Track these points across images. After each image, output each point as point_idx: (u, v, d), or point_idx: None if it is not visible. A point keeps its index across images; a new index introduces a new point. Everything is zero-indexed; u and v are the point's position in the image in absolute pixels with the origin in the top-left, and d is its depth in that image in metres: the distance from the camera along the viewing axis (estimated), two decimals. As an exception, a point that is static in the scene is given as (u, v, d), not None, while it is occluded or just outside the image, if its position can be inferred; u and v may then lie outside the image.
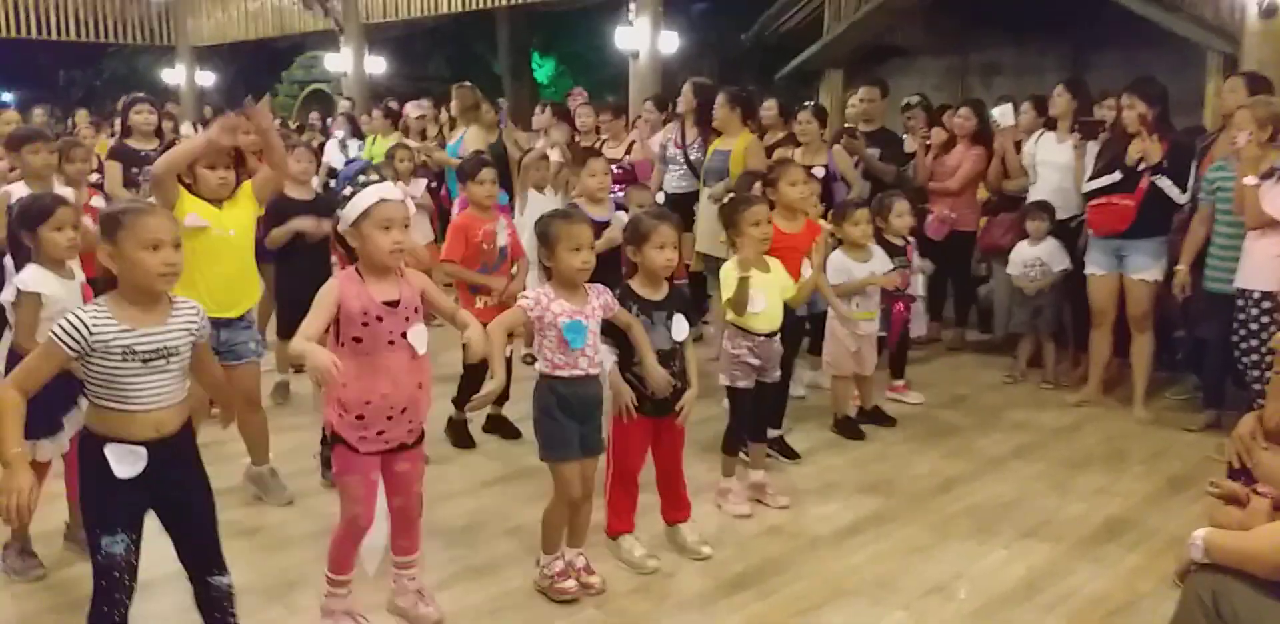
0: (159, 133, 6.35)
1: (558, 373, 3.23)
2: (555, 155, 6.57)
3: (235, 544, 3.49)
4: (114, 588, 2.55)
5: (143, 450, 2.53)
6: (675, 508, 3.75)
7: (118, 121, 6.29)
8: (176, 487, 2.63)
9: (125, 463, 2.51)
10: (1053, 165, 6.04)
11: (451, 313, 3.08)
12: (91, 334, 2.44)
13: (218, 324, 3.66)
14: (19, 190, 4.66)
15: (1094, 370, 5.57)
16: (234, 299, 3.90)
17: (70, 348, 2.44)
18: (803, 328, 5.03)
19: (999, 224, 6.51)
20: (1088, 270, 5.45)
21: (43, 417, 3.26)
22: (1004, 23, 10.68)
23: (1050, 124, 6.22)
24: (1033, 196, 6.14)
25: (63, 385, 3.25)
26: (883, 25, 11.58)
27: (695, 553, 3.67)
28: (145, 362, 2.50)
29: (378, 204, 2.87)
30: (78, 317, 2.45)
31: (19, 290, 3.29)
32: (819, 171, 5.98)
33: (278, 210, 4.86)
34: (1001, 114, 6.59)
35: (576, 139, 7.44)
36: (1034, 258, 5.92)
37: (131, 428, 2.52)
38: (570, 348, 3.19)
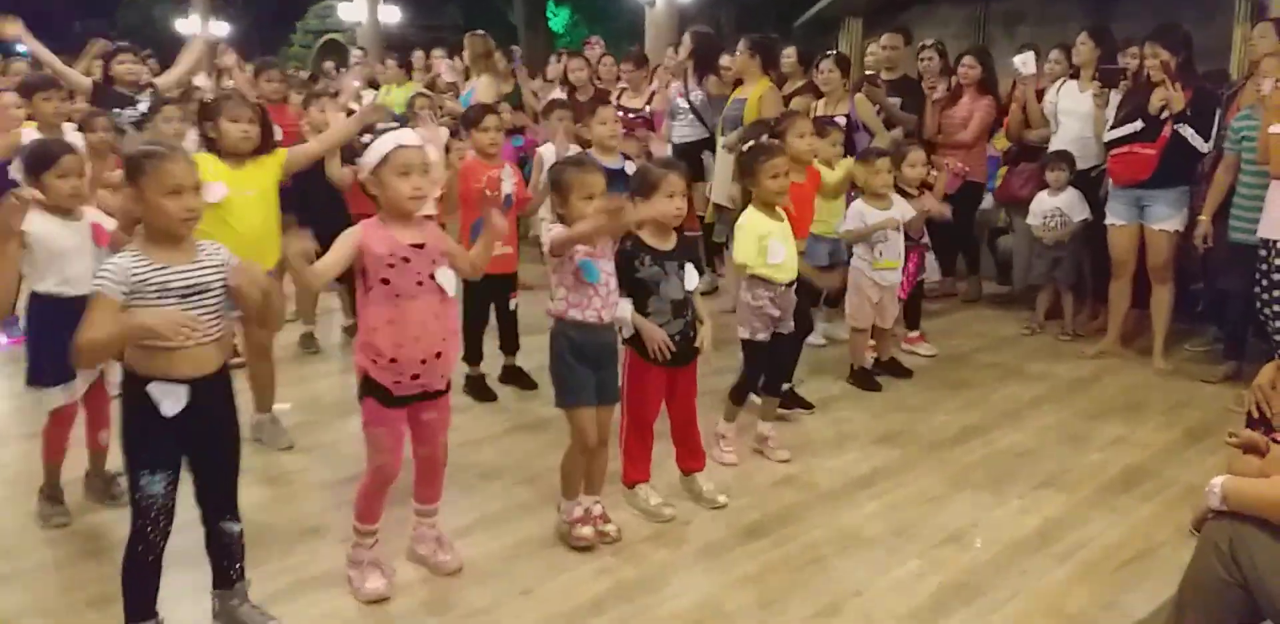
0: (140, 84, 6.22)
1: (571, 314, 3.24)
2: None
3: (255, 491, 3.55)
4: (151, 527, 2.60)
5: (184, 388, 2.56)
6: (691, 457, 3.78)
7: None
8: (212, 428, 2.67)
9: (169, 400, 2.54)
10: (1074, 114, 5.95)
11: (467, 269, 3.07)
12: (132, 274, 2.47)
13: None
14: (30, 136, 4.67)
15: (1113, 321, 5.54)
16: (258, 257, 3.85)
17: (119, 291, 2.46)
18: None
19: (1019, 174, 6.43)
20: (1108, 220, 5.39)
21: (52, 364, 3.29)
22: (1028, -30, 10.45)
23: (1073, 73, 6.11)
24: (1054, 146, 6.06)
25: (74, 334, 3.30)
26: (903, -29, 11.35)
27: (711, 502, 3.69)
28: (182, 297, 2.53)
29: (396, 150, 2.87)
30: (114, 261, 2.49)
31: None
32: (841, 120, 5.91)
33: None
34: (1023, 62, 6.46)
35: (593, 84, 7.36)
36: (1054, 208, 5.85)
37: (173, 365, 2.55)
38: (587, 281, 3.19)
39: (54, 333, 3.30)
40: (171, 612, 2.74)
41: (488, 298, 4.81)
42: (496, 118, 4.86)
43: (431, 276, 2.91)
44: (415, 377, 2.93)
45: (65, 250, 3.32)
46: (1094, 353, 5.52)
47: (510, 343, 4.99)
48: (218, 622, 2.87)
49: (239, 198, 3.83)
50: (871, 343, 5.18)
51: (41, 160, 3.30)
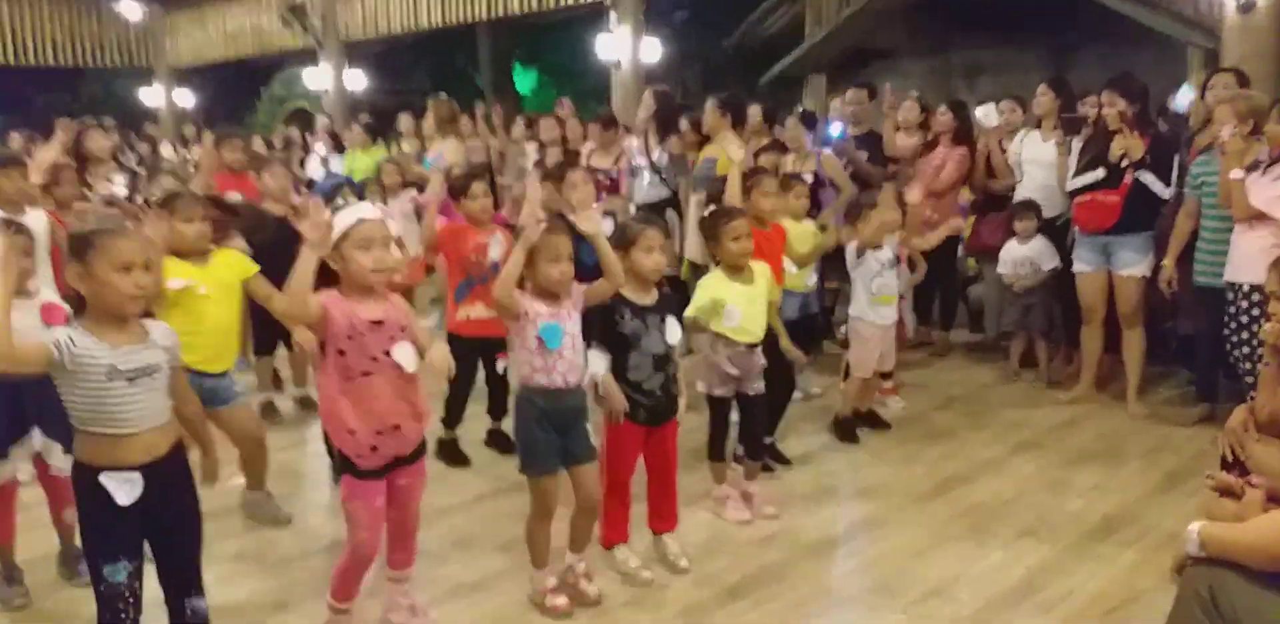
0: (114, 155, 6.27)
1: (536, 380, 3.20)
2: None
3: (224, 567, 3.46)
4: (118, 617, 2.53)
5: (138, 476, 2.51)
6: (662, 518, 3.71)
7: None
8: (170, 510, 2.61)
9: (124, 490, 2.49)
10: (1038, 164, 6.04)
11: (424, 347, 3.02)
12: (76, 346, 2.41)
13: (202, 376, 3.65)
14: None
15: (1086, 367, 5.56)
16: (218, 354, 3.82)
17: (56, 354, 2.40)
18: (808, 335, 5.00)
19: (987, 224, 6.51)
20: (1076, 268, 5.44)
21: None
22: (985, 23, 10.72)
23: (1034, 123, 6.22)
24: (1019, 195, 6.14)
25: (12, 411, 3.25)
26: (864, 29, 11.63)
27: (674, 566, 3.62)
28: (130, 380, 2.48)
29: (356, 225, 2.86)
30: (66, 333, 2.44)
31: None
32: (808, 176, 5.97)
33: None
34: (985, 114, 6.59)
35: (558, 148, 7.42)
36: (1023, 257, 5.91)
37: (123, 452, 2.50)
38: (547, 347, 3.16)
39: None
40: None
41: (474, 361, 4.74)
42: (484, 184, 4.82)
43: (387, 353, 2.88)
44: (374, 448, 2.90)
45: (17, 331, 3.25)
46: (1069, 399, 5.53)
47: (498, 407, 4.90)
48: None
49: (202, 296, 3.76)
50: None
51: None
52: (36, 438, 3.35)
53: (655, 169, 6.59)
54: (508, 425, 4.88)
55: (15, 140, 9.93)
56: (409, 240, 5.48)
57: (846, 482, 4.48)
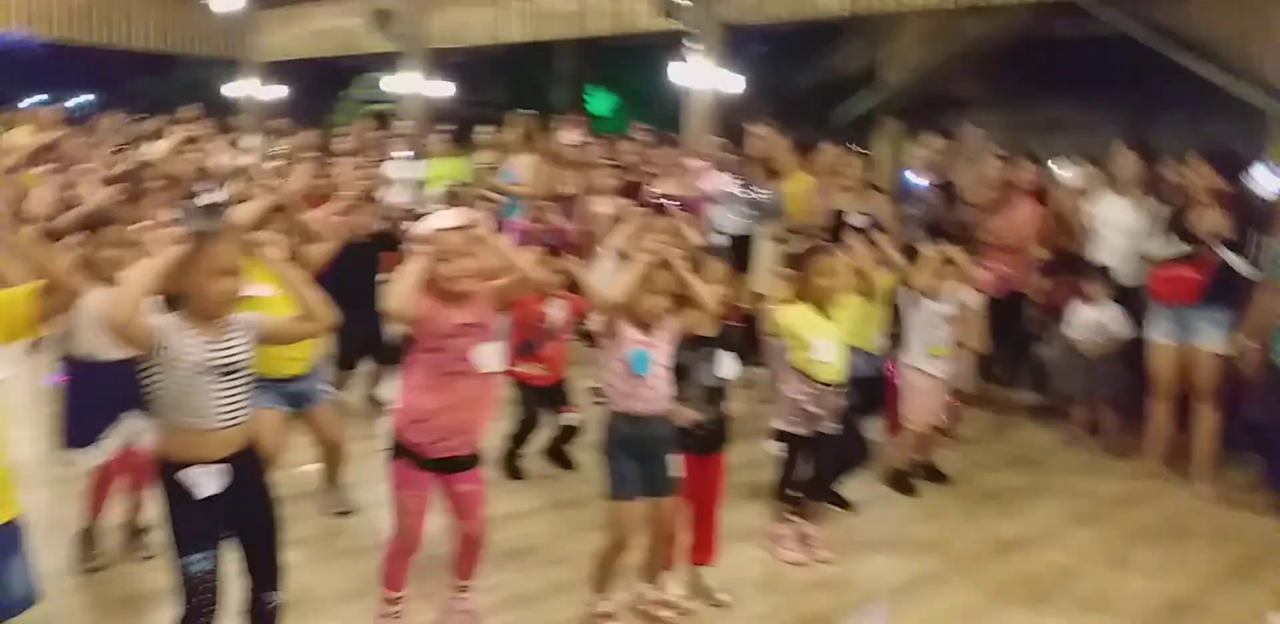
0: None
1: (622, 406, 3.21)
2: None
3: (293, 554, 3.47)
4: (202, 605, 2.58)
5: (218, 468, 2.56)
6: (702, 550, 3.69)
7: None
8: (248, 503, 2.66)
9: (203, 483, 2.54)
10: (1115, 226, 5.95)
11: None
12: (174, 335, 2.49)
13: (285, 381, 3.77)
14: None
15: (1153, 442, 5.41)
16: (293, 359, 3.85)
17: (158, 337, 2.45)
18: (870, 390, 4.96)
19: (1057, 284, 6.43)
20: (1151, 338, 5.33)
21: (84, 426, 3.39)
22: (1065, 79, 10.66)
23: (1113, 184, 6.15)
24: (1094, 256, 6.07)
25: (107, 397, 3.35)
26: (941, 76, 11.60)
27: (712, 597, 3.60)
28: (220, 375, 2.54)
29: (434, 235, 2.94)
30: (167, 321, 2.50)
31: None
32: (863, 218, 5.97)
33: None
34: (1063, 172, 6.53)
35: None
36: (1094, 321, 5.83)
37: (204, 447, 2.55)
38: (635, 373, 3.17)
39: (85, 395, 3.36)
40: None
41: (538, 405, 4.80)
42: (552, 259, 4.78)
43: (473, 353, 2.97)
44: (438, 441, 2.97)
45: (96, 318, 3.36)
46: (1134, 472, 5.41)
47: (558, 450, 4.94)
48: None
49: (276, 299, 3.82)
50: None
51: (91, 228, 3.37)
52: (127, 423, 3.42)
53: (756, 204, 6.59)
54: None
55: (104, 121, 10.20)
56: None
57: (903, 534, 4.42)
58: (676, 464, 3.34)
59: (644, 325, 3.22)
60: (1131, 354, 5.69)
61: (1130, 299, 5.82)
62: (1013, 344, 6.73)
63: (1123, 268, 5.87)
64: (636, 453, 3.24)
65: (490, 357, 3.03)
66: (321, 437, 4.03)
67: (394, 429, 3.04)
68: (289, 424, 3.90)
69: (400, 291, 2.88)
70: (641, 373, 3.19)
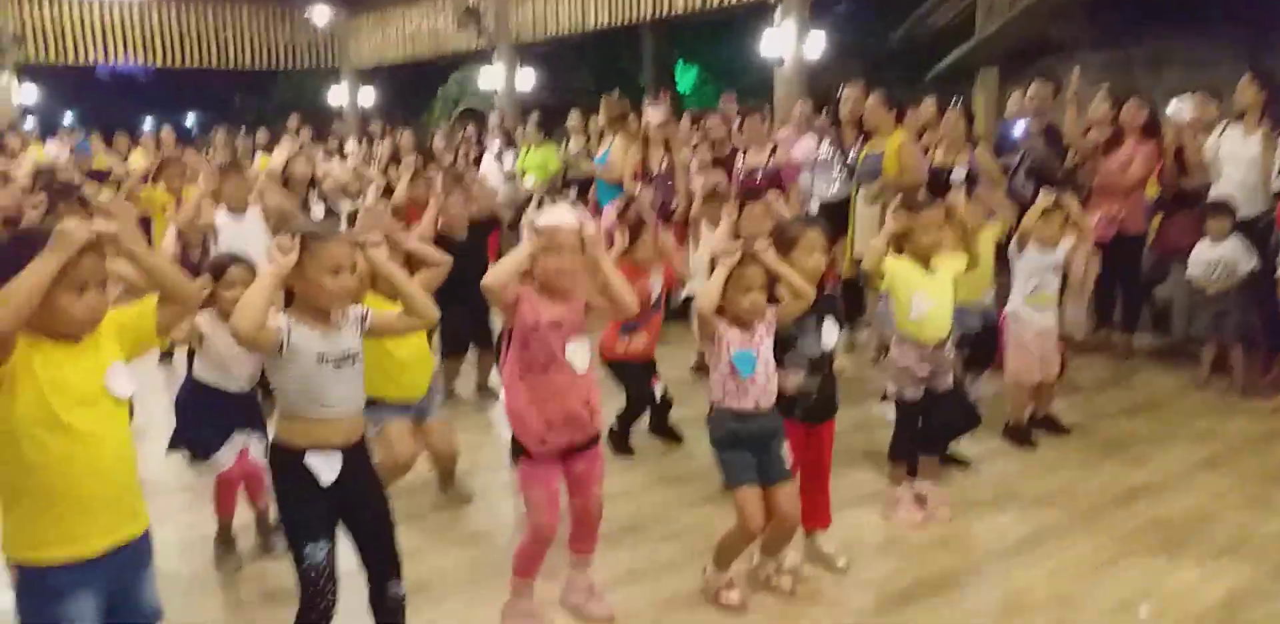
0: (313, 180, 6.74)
1: (728, 404, 3.21)
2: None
3: (412, 542, 3.59)
4: (319, 596, 2.66)
5: (338, 455, 2.64)
6: (815, 516, 3.66)
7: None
8: (361, 493, 2.73)
9: (327, 468, 2.62)
10: (1238, 160, 5.71)
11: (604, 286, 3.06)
12: (293, 332, 2.57)
13: (406, 406, 3.92)
14: (221, 214, 5.02)
15: (1291, 377, 5.19)
16: (417, 382, 3.96)
17: (280, 336, 2.55)
18: (982, 344, 4.85)
19: (1176, 223, 6.18)
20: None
21: (199, 440, 3.62)
22: (1171, 14, 10.14)
23: (1234, 117, 5.86)
24: (1214, 193, 5.80)
25: (223, 418, 3.61)
26: (1039, 21, 11.17)
27: (830, 565, 3.58)
28: (337, 366, 2.62)
29: (550, 228, 2.95)
30: (285, 319, 2.59)
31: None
32: (961, 170, 5.82)
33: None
34: (1177, 109, 6.26)
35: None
36: (1217, 258, 5.58)
37: (326, 435, 2.64)
38: (741, 377, 3.17)
39: (203, 417, 3.64)
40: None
41: (632, 383, 4.81)
42: (651, 234, 4.75)
43: (563, 351, 2.98)
44: (543, 442, 3.01)
45: (232, 355, 3.56)
46: (1272, 408, 5.16)
47: (662, 423, 4.97)
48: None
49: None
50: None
51: (215, 272, 3.55)
52: (239, 437, 3.62)
53: (846, 165, 6.50)
54: (674, 415, 4.95)
55: (219, 136, 10.67)
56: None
57: (1023, 488, 4.32)
58: (787, 454, 3.32)
59: (744, 324, 3.21)
60: (1258, 289, 5.44)
61: (1253, 232, 5.56)
62: (1130, 288, 6.50)
63: (1245, 201, 5.62)
64: (746, 445, 3.25)
65: (582, 354, 3.03)
66: (435, 450, 4.14)
67: (510, 425, 3.10)
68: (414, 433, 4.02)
69: (500, 269, 2.92)
70: (746, 375, 3.18)
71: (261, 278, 2.57)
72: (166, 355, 6.08)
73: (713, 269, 3.22)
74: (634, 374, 4.78)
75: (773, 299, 3.26)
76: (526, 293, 2.99)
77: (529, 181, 9.31)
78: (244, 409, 3.64)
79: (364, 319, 2.75)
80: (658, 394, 4.87)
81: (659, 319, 4.84)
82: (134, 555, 2.36)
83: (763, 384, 3.20)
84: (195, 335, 3.55)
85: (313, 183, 6.69)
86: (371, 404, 3.01)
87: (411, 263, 3.95)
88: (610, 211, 6.14)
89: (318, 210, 6.51)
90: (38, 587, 2.23)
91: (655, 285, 4.78)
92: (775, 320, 3.27)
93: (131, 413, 2.40)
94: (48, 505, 2.20)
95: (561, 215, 3.00)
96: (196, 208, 5.48)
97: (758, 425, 3.23)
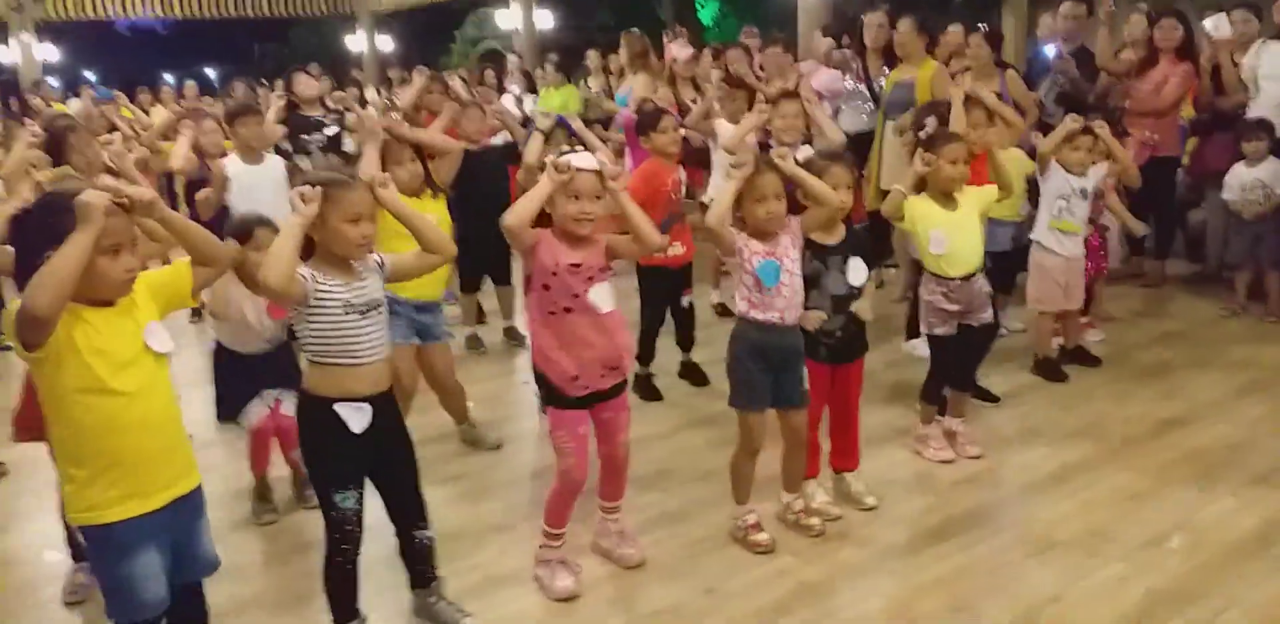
0: (322, 100, 6.64)
1: (753, 315, 3.18)
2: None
3: (441, 490, 3.66)
4: (346, 540, 2.72)
5: (367, 406, 2.67)
6: (843, 456, 3.67)
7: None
8: (391, 442, 2.77)
9: (355, 418, 2.65)
10: (1276, 78, 5.50)
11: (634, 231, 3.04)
12: (319, 281, 2.58)
13: (421, 309, 3.97)
14: (233, 160, 5.01)
15: (1329, 302, 5.09)
16: (431, 284, 3.99)
17: (306, 284, 2.56)
18: (1008, 265, 4.78)
19: (1212, 145, 6.02)
20: (1318, 193, 4.96)
21: (233, 401, 3.70)
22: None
23: (1273, 33, 5.65)
24: (1252, 113, 5.63)
25: (249, 379, 3.67)
26: (1071, -63, 10.79)
27: (859, 503, 3.59)
28: (362, 314, 2.63)
29: (575, 170, 2.90)
30: (309, 270, 2.59)
31: None
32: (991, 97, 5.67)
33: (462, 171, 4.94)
34: (1215, 25, 6.05)
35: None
36: (1254, 180, 5.45)
37: (355, 383, 2.65)
38: (765, 286, 3.14)
39: (230, 381, 3.73)
40: (374, 609, 2.87)
41: (663, 296, 4.82)
42: (672, 118, 4.78)
43: (585, 293, 2.95)
44: (575, 378, 2.99)
45: (249, 320, 3.61)
46: (1308, 335, 5.08)
47: (686, 339, 4.99)
48: (417, 617, 2.99)
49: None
50: (1056, 326, 4.92)
51: (240, 235, 3.53)
52: (270, 393, 3.69)
53: (872, 95, 6.37)
54: (699, 356, 4.96)
55: (237, 88, 10.61)
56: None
57: (1054, 422, 4.29)
58: (806, 376, 3.31)
59: (765, 235, 3.17)
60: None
61: (1292, 153, 5.40)
62: (1163, 213, 6.36)
63: (1284, 120, 5.44)
64: (767, 363, 3.22)
65: (605, 295, 3.00)
66: (432, 376, 4.15)
67: (535, 371, 3.09)
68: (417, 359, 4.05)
69: (520, 208, 2.88)
70: (771, 285, 3.15)
71: (286, 228, 2.55)
72: (196, 313, 6.15)
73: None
74: (664, 283, 4.73)
75: (798, 210, 3.22)
76: (545, 236, 2.97)
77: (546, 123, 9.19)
78: (271, 368, 3.68)
79: (383, 266, 2.75)
80: (684, 303, 4.83)
81: (687, 225, 4.76)
82: (191, 507, 2.46)
83: (789, 296, 3.17)
84: (220, 301, 3.58)
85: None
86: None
87: (422, 154, 4.02)
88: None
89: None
90: (106, 544, 2.33)
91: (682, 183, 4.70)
92: (802, 232, 3.22)
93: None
94: (106, 467, 2.28)
95: (585, 159, 2.96)
96: (184, 157, 5.50)
97: (782, 339, 3.21)
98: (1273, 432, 4.03)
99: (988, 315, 3.95)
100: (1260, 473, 3.67)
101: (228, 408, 3.73)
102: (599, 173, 2.92)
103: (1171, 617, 2.83)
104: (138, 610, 2.33)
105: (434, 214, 4.01)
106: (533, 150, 4.43)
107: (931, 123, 4.43)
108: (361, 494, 2.73)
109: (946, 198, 3.85)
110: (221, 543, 2.93)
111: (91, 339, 2.22)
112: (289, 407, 3.62)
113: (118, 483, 2.28)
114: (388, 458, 2.77)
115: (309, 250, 2.66)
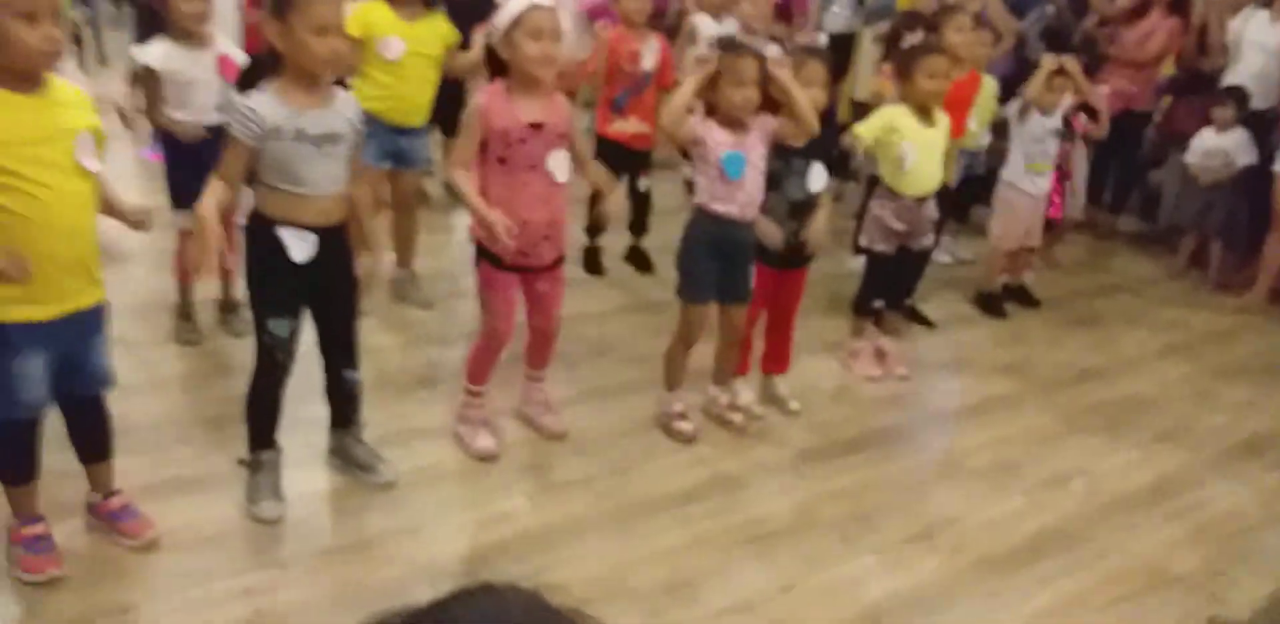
0: None
1: (714, 207, 3.12)
2: None
3: (371, 340, 3.59)
4: (275, 366, 2.65)
5: (313, 236, 2.55)
6: (775, 359, 3.70)
7: None
8: (333, 278, 2.67)
9: (297, 246, 2.54)
10: (1260, 47, 5.48)
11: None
12: (266, 121, 2.42)
13: (401, 132, 3.82)
14: None
15: (1263, 276, 5.18)
16: (416, 108, 3.87)
17: (250, 137, 2.43)
18: (959, 191, 4.76)
19: (1184, 106, 5.99)
20: (1276, 167, 5.00)
21: (180, 189, 3.40)
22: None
23: (1265, 1, 5.59)
24: (1229, 79, 5.61)
25: (198, 161, 3.33)
26: None
27: (784, 405, 3.64)
28: (316, 145, 2.49)
29: (529, 11, 2.74)
30: (248, 106, 2.43)
31: (138, 62, 3.35)
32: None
33: None
34: (1213, -18, 5.92)
35: None
36: (1217, 148, 5.47)
37: (302, 212, 2.54)
38: (729, 179, 3.06)
39: (180, 158, 3.42)
40: (289, 442, 2.82)
41: (618, 171, 4.67)
42: None
43: (545, 160, 2.84)
44: (522, 253, 2.91)
45: (191, 81, 3.36)
46: (1235, 307, 5.22)
47: (639, 223, 4.88)
48: (333, 456, 2.98)
49: (413, 52, 3.75)
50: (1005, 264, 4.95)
51: None
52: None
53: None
54: (647, 243, 4.88)
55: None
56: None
57: (984, 355, 4.37)
58: (753, 274, 3.28)
59: (734, 124, 3.06)
60: (1251, 185, 5.36)
61: (1259, 126, 5.42)
62: (1125, 167, 6.38)
63: (1259, 91, 5.44)
64: (717, 256, 3.17)
65: (562, 164, 2.89)
66: (399, 199, 4.02)
67: (473, 232, 2.97)
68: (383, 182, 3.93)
69: (468, 56, 2.72)
70: (735, 177, 3.07)
71: None
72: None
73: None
74: (621, 160, 4.57)
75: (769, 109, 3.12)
76: (495, 96, 2.81)
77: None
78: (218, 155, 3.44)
79: (357, 111, 2.62)
80: (641, 187, 4.72)
81: (652, 99, 4.58)
82: (87, 324, 2.35)
83: (750, 191, 3.11)
84: (145, 72, 3.33)
85: None
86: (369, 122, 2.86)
87: None
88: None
89: None
90: None
91: (647, 54, 4.51)
92: (772, 136, 3.14)
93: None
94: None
95: None
96: None
97: (736, 234, 3.16)
98: (1186, 394, 4.17)
99: (928, 241, 3.96)
100: (1166, 430, 3.81)
101: (180, 193, 3.46)
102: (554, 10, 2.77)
103: (1059, 554, 2.95)
104: (13, 408, 2.27)
105: (426, 38, 3.79)
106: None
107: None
108: (297, 325, 2.65)
109: (924, 113, 3.77)
110: (140, 357, 2.88)
111: (4, 122, 2.06)
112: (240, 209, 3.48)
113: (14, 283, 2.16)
114: (328, 292, 2.68)
115: (277, 69, 2.49)
